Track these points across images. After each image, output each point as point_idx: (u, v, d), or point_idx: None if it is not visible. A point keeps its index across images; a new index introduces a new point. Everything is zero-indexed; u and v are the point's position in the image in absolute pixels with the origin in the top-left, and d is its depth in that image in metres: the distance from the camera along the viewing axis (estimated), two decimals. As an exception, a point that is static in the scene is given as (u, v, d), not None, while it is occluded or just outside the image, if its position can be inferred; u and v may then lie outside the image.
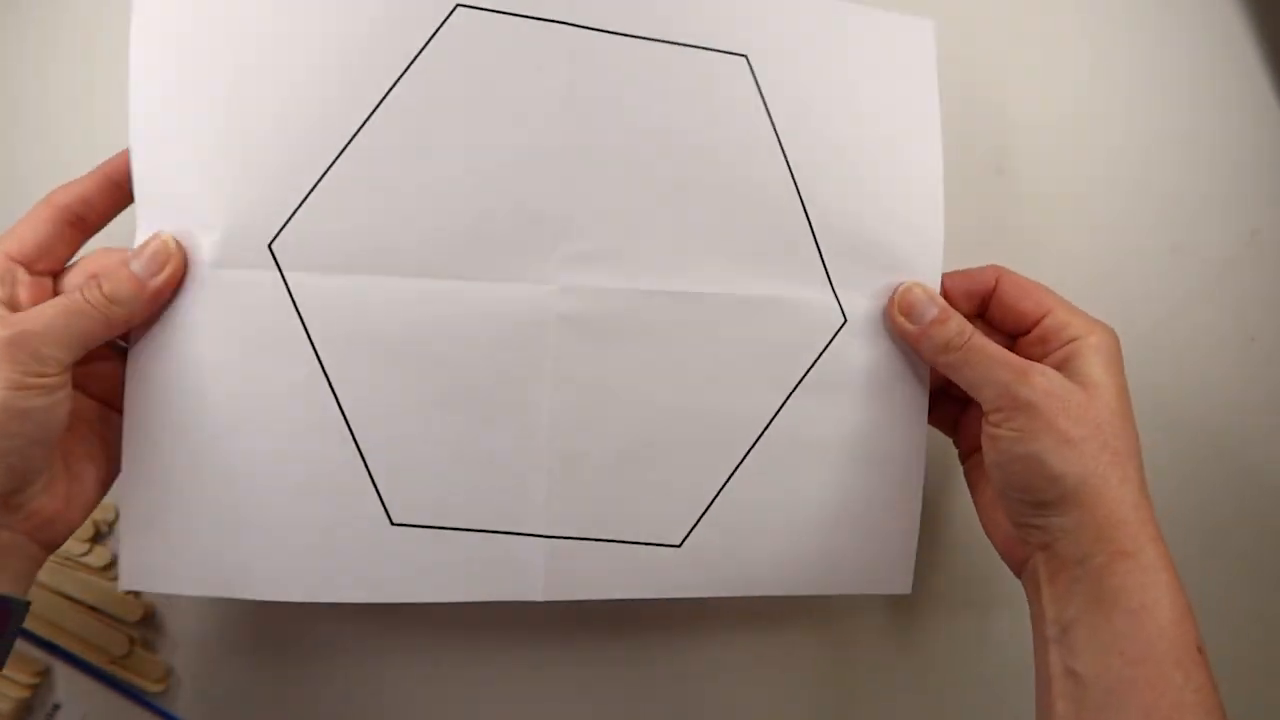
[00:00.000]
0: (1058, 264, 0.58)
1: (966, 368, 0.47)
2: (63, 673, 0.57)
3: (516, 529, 0.47)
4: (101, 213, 0.44)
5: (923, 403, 0.50)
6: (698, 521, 0.48)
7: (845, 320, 0.49)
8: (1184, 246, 0.58)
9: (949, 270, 0.49)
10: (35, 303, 0.42)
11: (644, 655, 0.56)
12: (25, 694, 0.56)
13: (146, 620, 0.56)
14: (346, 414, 0.45)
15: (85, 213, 0.43)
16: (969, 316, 0.49)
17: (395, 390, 0.45)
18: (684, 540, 0.48)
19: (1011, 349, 0.47)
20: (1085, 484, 0.44)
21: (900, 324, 0.48)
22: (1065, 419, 0.44)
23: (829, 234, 0.48)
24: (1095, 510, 0.44)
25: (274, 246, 0.43)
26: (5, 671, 0.56)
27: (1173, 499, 0.59)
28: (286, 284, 0.44)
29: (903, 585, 0.51)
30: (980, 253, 0.58)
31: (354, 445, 0.45)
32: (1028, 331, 0.48)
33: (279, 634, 0.58)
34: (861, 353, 0.49)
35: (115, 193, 0.44)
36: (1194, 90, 0.58)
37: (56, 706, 0.55)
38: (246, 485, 0.44)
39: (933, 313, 0.48)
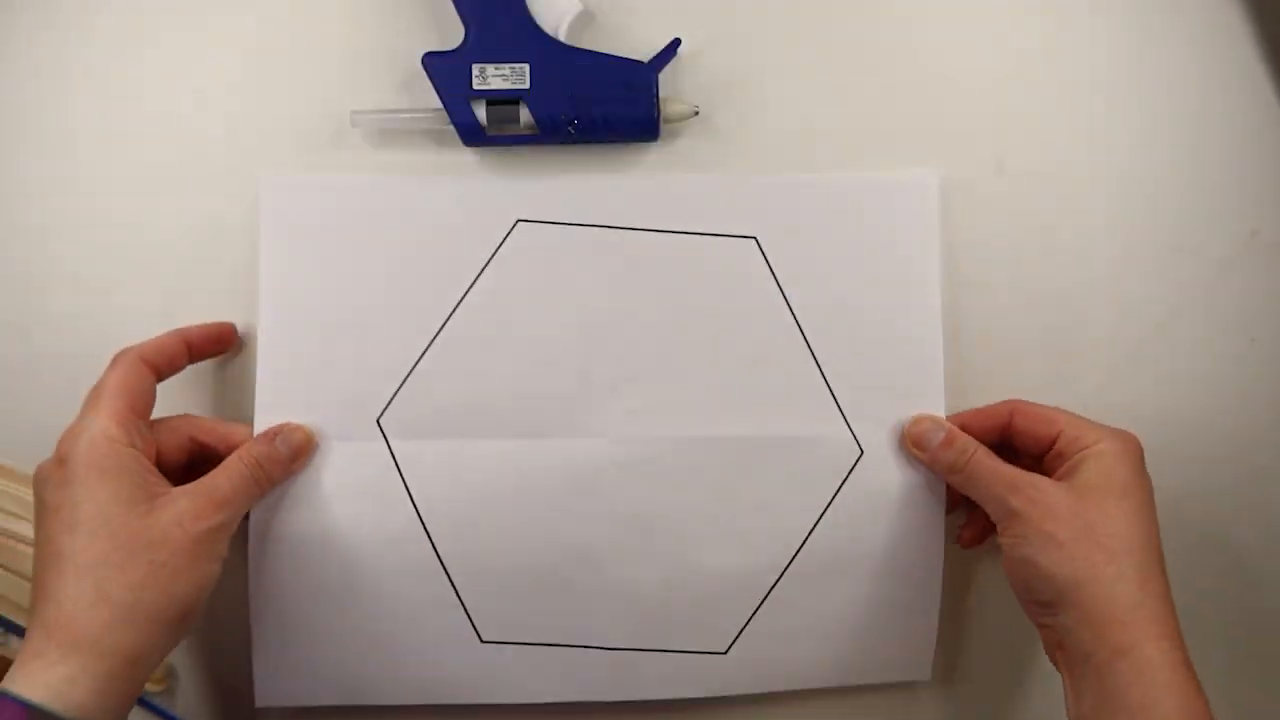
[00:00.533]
0: (1058, 264, 0.58)
1: (971, 486, 0.52)
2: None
3: (584, 643, 0.56)
4: (173, 368, 0.52)
5: (939, 518, 0.57)
6: (740, 633, 0.57)
7: (862, 452, 0.56)
8: (1184, 246, 0.58)
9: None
10: (147, 447, 0.49)
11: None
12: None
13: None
14: (440, 555, 0.55)
15: (161, 365, 0.52)
16: (992, 448, 0.53)
17: (481, 532, 0.55)
18: (729, 648, 0.57)
19: (1039, 468, 0.51)
20: (1077, 583, 0.47)
21: (915, 454, 0.55)
22: (1052, 523, 0.48)
23: (840, 380, 0.56)
24: (1090, 609, 0.47)
25: (381, 421, 0.54)
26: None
27: (1173, 501, 0.59)
28: (391, 450, 0.55)
29: (922, 672, 0.58)
30: (980, 252, 0.58)
31: (448, 579, 0.55)
32: (1047, 451, 0.52)
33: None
34: (879, 479, 0.56)
35: (186, 353, 0.53)
36: (1194, 91, 0.58)
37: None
38: (359, 615, 0.55)
39: (939, 438, 0.54)
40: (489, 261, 0.55)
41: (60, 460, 0.47)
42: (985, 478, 0.51)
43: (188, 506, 0.47)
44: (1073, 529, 0.47)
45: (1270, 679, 0.61)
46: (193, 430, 0.52)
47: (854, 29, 0.57)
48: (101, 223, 0.56)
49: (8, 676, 0.44)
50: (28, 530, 0.56)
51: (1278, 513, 0.60)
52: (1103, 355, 0.59)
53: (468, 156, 0.56)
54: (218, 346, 0.55)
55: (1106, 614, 0.46)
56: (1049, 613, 0.49)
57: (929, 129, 0.57)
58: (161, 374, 0.51)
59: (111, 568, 0.45)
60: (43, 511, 0.47)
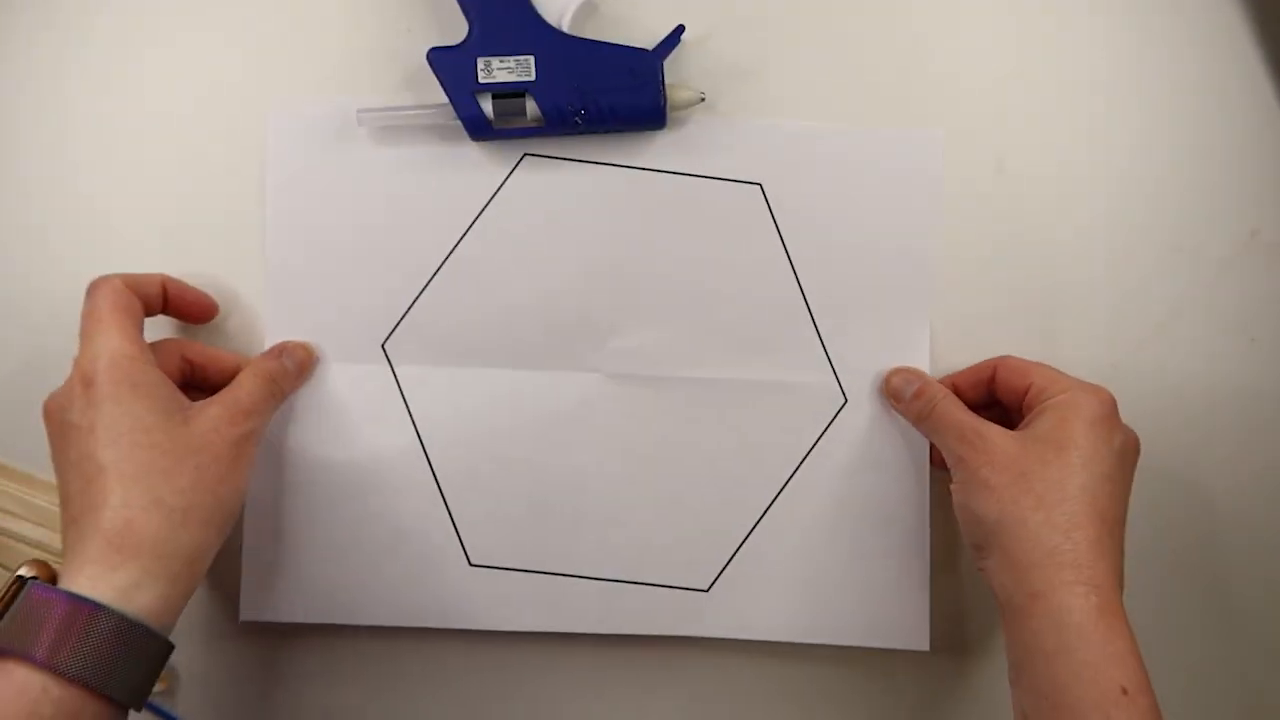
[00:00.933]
0: (1058, 263, 0.58)
1: (934, 434, 0.54)
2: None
3: (572, 571, 0.57)
4: (148, 308, 0.52)
5: (923, 472, 0.57)
6: (721, 571, 0.57)
7: (846, 400, 0.57)
8: (1184, 246, 0.58)
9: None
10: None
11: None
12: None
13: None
14: (436, 474, 0.57)
15: (140, 298, 0.52)
16: (979, 403, 0.55)
17: (477, 457, 0.57)
18: (711, 585, 0.57)
19: (1019, 420, 0.53)
20: (1001, 525, 0.48)
21: (893, 405, 0.57)
22: (988, 469, 0.49)
23: (830, 328, 0.57)
24: (1010, 552, 0.48)
25: (386, 346, 0.56)
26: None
27: (1172, 500, 0.60)
28: (395, 374, 0.56)
29: (919, 642, 0.58)
30: (980, 252, 0.58)
31: (442, 500, 0.57)
32: (1023, 402, 0.53)
33: (279, 632, 0.58)
34: (862, 427, 0.58)
35: (162, 297, 0.54)
36: (1194, 91, 0.58)
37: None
38: (351, 533, 0.56)
39: (912, 389, 0.55)
40: (495, 194, 0.56)
41: (86, 381, 0.47)
42: (943, 426, 0.53)
43: (220, 413, 0.49)
44: (1008, 475, 0.48)
45: (1272, 679, 0.61)
46: (184, 350, 0.53)
47: (855, 26, 0.57)
48: (101, 223, 0.56)
49: (63, 581, 0.44)
50: (29, 530, 0.56)
51: (1278, 512, 0.60)
52: (1103, 355, 0.59)
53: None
54: (195, 310, 0.55)
55: (1025, 557, 0.47)
56: (981, 556, 0.50)
57: (929, 125, 0.57)
58: (141, 299, 0.52)
59: (159, 474, 0.46)
60: (70, 433, 0.47)
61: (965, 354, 0.58)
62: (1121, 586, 0.48)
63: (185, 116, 0.56)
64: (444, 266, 0.56)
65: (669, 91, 0.54)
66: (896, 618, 0.58)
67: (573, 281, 0.56)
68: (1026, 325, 0.58)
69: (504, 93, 0.53)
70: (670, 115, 0.55)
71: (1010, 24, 0.58)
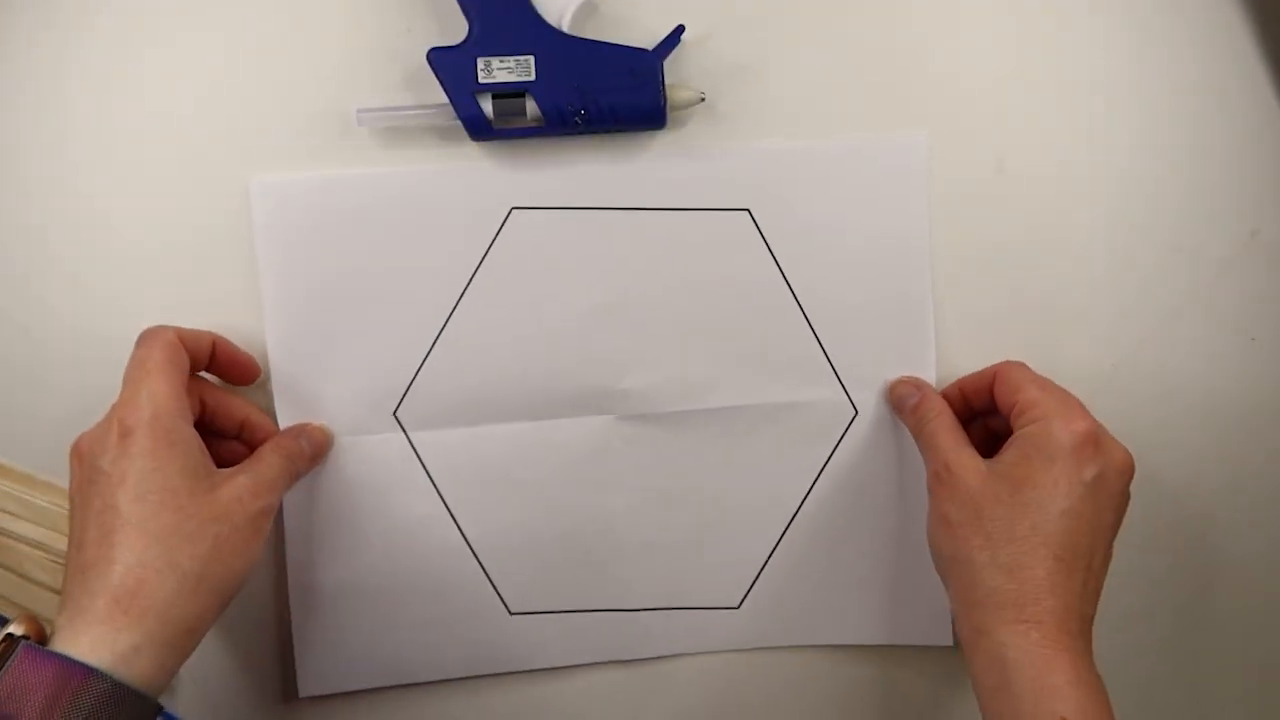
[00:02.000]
0: (1058, 263, 0.58)
1: (924, 451, 0.54)
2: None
3: (608, 606, 0.59)
4: (195, 363, 0.52)
5: None
6: (750, 588, 0.59)
7: (856, 413, 0.58)
8: (1184, 246, 0.58)
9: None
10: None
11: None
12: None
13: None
14: (466, 534, 0.58)
15: (189, 353, 0.52)
16: (984, 409, 0.55)
17: (502, 511, 0.58)
18: (741, 602, 0.59)
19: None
20: (954, 562, 0.50)
21: (897, 414, 0.57)
22: (949, 503, 0.50)
23: (835, 343, 0.58)
24: (958, 588, 0.50)
25: (398, 414, 0.57)
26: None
27: (1172, 500, 0.60)
28: (410, 441, 0.57)
29: (943, 637, 0.59)
30: (981, 252, 0.58)
31: (474, 558, 0.58)
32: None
33: (278, 633, 0.58)
34: (874, 436, 0.58)
35: (209, 355, 0.54)
36: (1194, 90, 0.58)
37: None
38: (393, 599, 0.58)
39: (911, 403, 0.55)
40: (488, 251, 0.56)
41: (125, 431, 0.47)
42: (928, 449, 0.53)
43: (246, 484, 0.49)
44: (965, 513, 0.49)
45: (1272, 678, 0.61)
46: (204, 393, 0.53)
47: (855, 26, 0.57)
48: (101, 223, 0.56)
49: (59, 636, 0.44)
50: (28, 530, 0.56)
51: (1278, 512, 0.60)
52: (1103, 355, 0.59)
53: (474, 151, 0.56)
54: (237, 372, 0.55)
55: (969, 595, 0.48)
56: (945, 584, 0.52)
57: (929, 125, 0.57)
58: (189, 355, 0.52)
59: (180, 538, 0.46)
60: (99, 479, 0.47)
61: (968, 355, 0.58)
62: (1085, 617, 0.48)
63: (185, 117, 0.56)
64: (445, 330, 0.57)
65: (669, 91, 0.54)
66: (919, 615, 0.59)
67: (574, 329, 0.57)
68: (1027, 325, 0.58)
69: (504, 93, 0.53)
70: (670, 115, 0.55)
71: (1010, 24, 0.57)
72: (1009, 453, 0.50)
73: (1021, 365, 0.54)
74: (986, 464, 0.50)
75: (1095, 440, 0.49)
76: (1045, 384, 0.52)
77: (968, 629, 0.49)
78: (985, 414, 0.56)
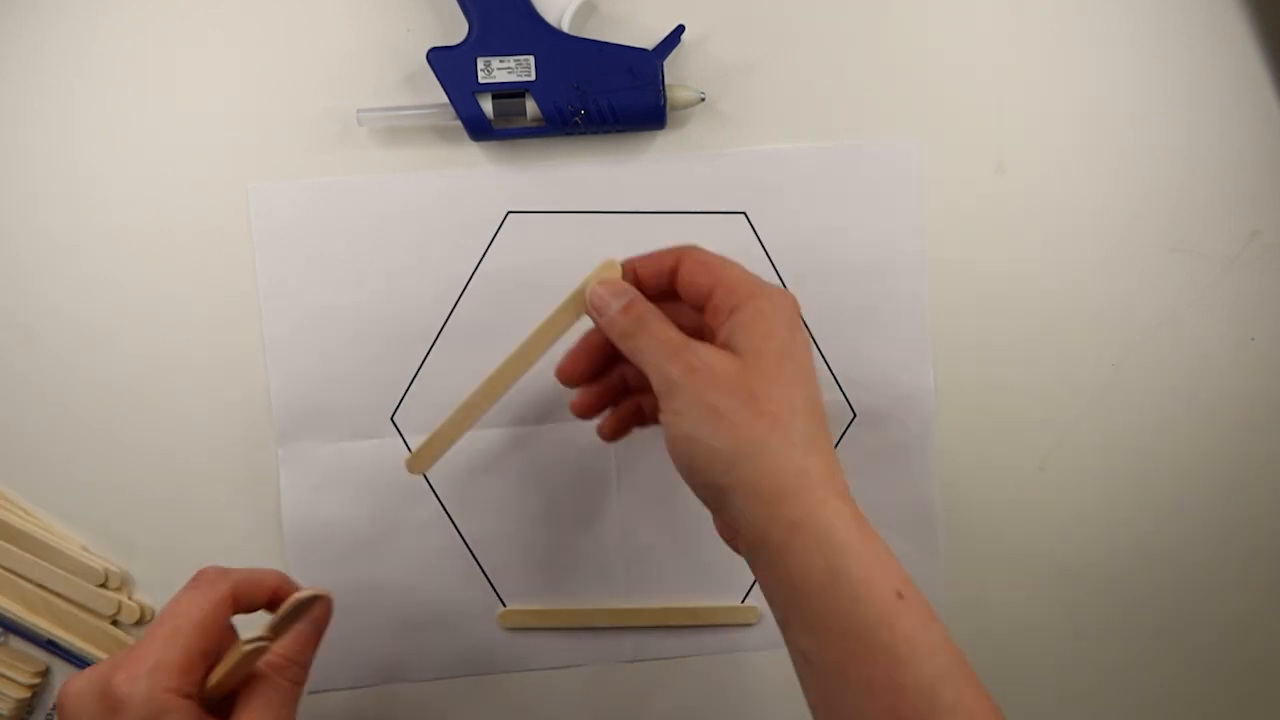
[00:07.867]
0: (1058, 264, 0.58)
1: (639, 353, 0.46)
2: (62, 673, 0.57)
3: (607, 605, 0.59)
4: (251, 607, 0.48)
5: (931, 476, 0.59)
6: (751, 587, 0.60)
7: (854, 415, 0.59)
8: (1184, 246, 0.58)
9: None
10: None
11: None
12: (25, 694, 0.56)
13: (144, 622, 0.56)
14: (464, 536, 0.58)
15: (245, 602, 0.47)
16: (658, 297, 0.48)
17: (500, 514, 0.59)
18: (741, 602, 0.60)
19: (700, 323, 0.47)
20: (741, 456, 0.43)
21: (594, 319, 0.49)
22: (713, 392, 0.43)
23: (832, 346, 0.58)
24: (758, 483, 0.43)
25: (395, 418, 0.57)
26: (5, 671, 0.56)
27: (1172, 500, 0.60)
28: (408, 445, 0.57)
29: None
30: (981, 252, 0.58)
31: (474, 560, 0.59)
32: (707, 303, 0.47)
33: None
34: (872, 440, 0.59)
35: (272, 598, 0.48)
36: (1194, 90, 0.58)
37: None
38: (394, 599, 0.59)
39: (620, 304, 0.47)
40: (483, 256, 0.57)
41: (114, 707, 0.42)
42: (652, 345, 0.46)
43: None
44: (736, 398, 0.43)
45: (1273, 678, 0.61)
46: (235, 588, 0.47)
47: (854, 26, 0.57)
48: (102, 223, 0.56)
49: None
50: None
51: (1278, 512, 0.60)
52: (1103, 355, 0.59)
53: (474, 151, 0.56)
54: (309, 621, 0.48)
55: (775, 486, 0.42)
56: (721, 499, 0.44)
57: (929, 125, 0.58)
58: (240, 609, 0.47)
59: None
60: None
61: (967, 356, 0.58)
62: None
63: (185, 116, 0.56)
64: (441, 335, 0.57)
65: (669, 91, 0.54)
66: None
67: (572, 332, 0.55)
68: (1027, 325, 0.58)
69: (504, 93, 0.53)
70: (670, 115, 0.55)
71: (1010, 24, 0.58)
72: (747, 333, 0.44)
73: (704, 249, 0.48)
74: (725, 351, 0.45)
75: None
76: (732, 261, 0.48)
77: (778, 527, 0.42)
78: (656, 301, 0.48)
